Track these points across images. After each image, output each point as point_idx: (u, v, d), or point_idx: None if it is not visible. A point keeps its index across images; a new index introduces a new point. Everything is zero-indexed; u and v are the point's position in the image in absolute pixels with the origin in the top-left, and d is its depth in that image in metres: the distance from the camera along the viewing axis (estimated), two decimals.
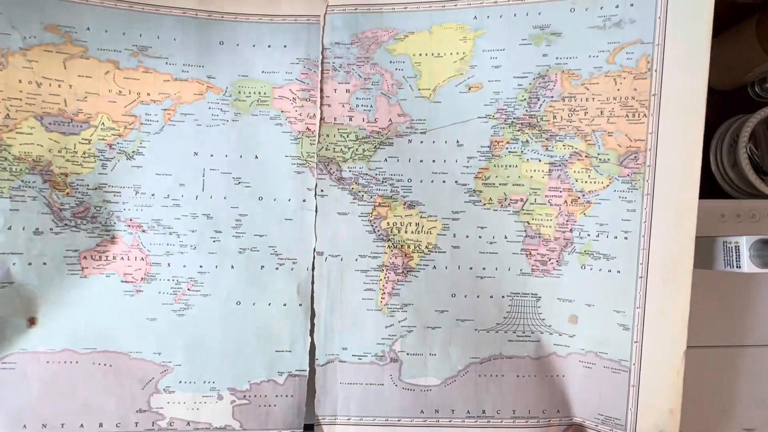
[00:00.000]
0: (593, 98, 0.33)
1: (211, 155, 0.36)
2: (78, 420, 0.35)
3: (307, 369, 0.36)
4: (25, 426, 0.34)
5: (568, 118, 0.34)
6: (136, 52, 0.35)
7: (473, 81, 0.36)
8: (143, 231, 0.35)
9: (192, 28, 0.36)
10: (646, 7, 0.31)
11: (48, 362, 0.35)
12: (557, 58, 0.34)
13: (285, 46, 0.36)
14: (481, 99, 0.36)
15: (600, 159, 0.33)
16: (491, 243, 0.37)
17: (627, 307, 0.33)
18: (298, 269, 0.36)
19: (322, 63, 0.36)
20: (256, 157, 0.36)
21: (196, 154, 0.36)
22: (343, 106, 0.36)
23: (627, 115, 0.32)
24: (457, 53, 0.36)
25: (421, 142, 0.36)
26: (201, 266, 0.36)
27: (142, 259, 0.35)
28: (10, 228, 0.34)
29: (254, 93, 0.36)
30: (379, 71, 0.36)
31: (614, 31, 0.32)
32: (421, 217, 0.36)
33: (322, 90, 0.36)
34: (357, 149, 0.36)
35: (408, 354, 0.36)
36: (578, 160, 0.34)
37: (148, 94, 0.35)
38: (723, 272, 0.34)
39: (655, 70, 0.31)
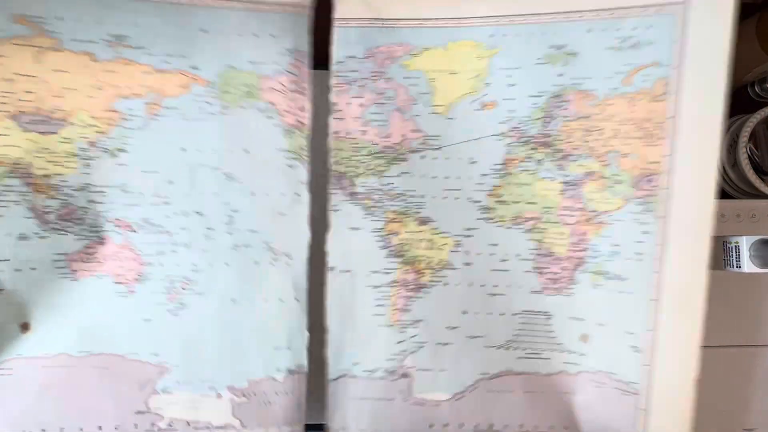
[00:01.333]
0: (608, 119, 0.33)
1: (199, 151, 0.35)
2: (77, 424, 0.34)
3: (306, 365, 0.35)
4: (24, 430, 0.34)
5: (583, 139, 0.34)
6: (113, 42, 0.33)
7: (488, 99, 0.36)
8: (133, 231, 0.34)
9: (172, 14, 0.34)
10: (663, 30, 0.31)
11: (44, 367, 0.34)
12: (572, 78, 0.34)
13: (272, 36, 0.35)
14: (496, 117, 0.36)
15: (614, 180, 0.34)
16: (503, 261, 0.37)
17: (638, 329, 0.33)
18: (293, 264, 0.35)
19: (331, 74, 0.36)
20: (247, 151, 0.35)
21: (183, 149, 0.35)
22: (356, 120, 0.36)
23: (642, 137, 0.32)
24: (473, 71, 0.36)
25: (435, 158, 0.36)
26: (194, 264, 0.35)
27: (134, 259, 0.35)
28: None
29: (242, 84, 0.35)
30: (394, 86, 0.36)
31: (631, 53, 0.32)
32: (433, 233, 0.37)
33: (334, 103, 0.36)
34: (370, 164, 0.36)
35: (418, 369, 0.36)
36: (592, 180, 0.34)
37: (129, 88, 0.34)
38: (723, 272, 0.34)
39: (672, 93, 0.31)
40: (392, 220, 0.36)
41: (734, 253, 0.34)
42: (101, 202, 0.34)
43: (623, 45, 0.32)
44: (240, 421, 0.35)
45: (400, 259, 0.36)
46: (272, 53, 0.34)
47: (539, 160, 0.35)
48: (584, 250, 0.35)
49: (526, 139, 0.35)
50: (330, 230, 0.36)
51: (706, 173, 0.31)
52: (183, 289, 0.35)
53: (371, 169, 0.36)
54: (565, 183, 0.35)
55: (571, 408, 0.37)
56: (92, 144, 0.34)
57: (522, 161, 0.36)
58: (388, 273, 0.36)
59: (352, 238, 0.36)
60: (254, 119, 0.35)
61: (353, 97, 0.36)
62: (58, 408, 0.34)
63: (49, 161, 0.33)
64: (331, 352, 0.36)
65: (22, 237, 0.33)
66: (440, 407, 0.36)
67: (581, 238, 0.35)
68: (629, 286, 0.33)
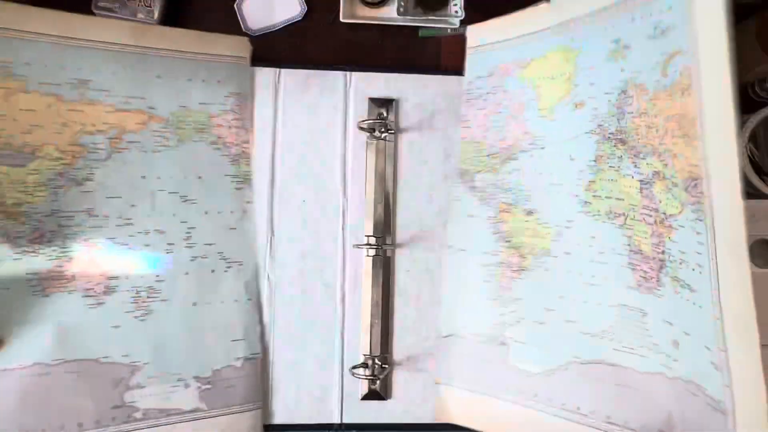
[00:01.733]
0: (659, 114, 0.31)
1: (158, 177, 0.41)
2: (58, 423, 0.38)
3: (260, 352, 0.42)
4: None
5: (646, 135, 0.33)
6: (77, 85, 0.39)
7: (578, 99, 0.38)
8: (99, 249, 0.39)
9: (130, 62, 0.40)
10: (681, 8, 0.27)
11: (21, 377, 0.37)
12: (630, 72, 0.33)
13: (219, 81, 0.42)
14: (585, 116, 0.38)
15: (672, 182, 0.31)
16: (601, 253, 0.38)
17: (714, 346, 0.30)
18: (244, 270, 0.43)
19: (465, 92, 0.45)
20: (200, 177, 0.42)
21: (143, 177, 0.41)
22: (480, 127, 0.45)
23: (683, 136, 0.29)
24: (564, 74, 0.39)
25: (541, 157, 0.42)
26: (157, 276, 0.41)
27: (101, 274, 0.40)
28: None
29: (194, 121, 0.42)
30: (509, 96, 0.43)
31: (662, 41, 0.29)
32: (537, 223, 0.42)
33: (464, 114, 0.45)
34: (488, 162, 0.44)
35: (515, 341, 0.42)
36: (658, 180, 0.32)
37: (93, 125, 0.39)
38: None
39: (696, 86, 0.27)
40: (503, 210, 0.44)
41: None
42: (69, 226, 0.39)
43: (656, 32, 0.29)
44: (207, 403, 0.41)
45: (507, 244, 0.44)
46: (219, 96, 0.43)
47: (620, 157, 0.36)
48: (663, 252, 0.34)
49: (608, 135, 0.36)
50: (451, 215, 0.46)
51: (731, 179, 0.26)
52: (148, 297, 0.41)
53: (489, 167, 0.45)
54: (640, 181, 0.34)
55: (668, 413, 0.35)
56: (60, 174, 0.39)
57: (608, 157, 0.37)
58: (496, 254, 0.44)
59: (469, 223, 0.45)
60: (205, 151, 0.42)
61: (478, 109, 0.45)
62: (37, 411, 0.37)
63: (20, 191, 0.38)
64: (444, 314, 0.45)
65: None
66: (532, 378, 0.42)
67: (660, 239, 0.34)
68: (699, 299, 0.30)
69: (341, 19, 0.48)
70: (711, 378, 0.31)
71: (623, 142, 0.35)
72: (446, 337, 0.44)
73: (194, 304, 0.42)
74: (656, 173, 0.33)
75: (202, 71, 0.43)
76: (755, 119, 0.43)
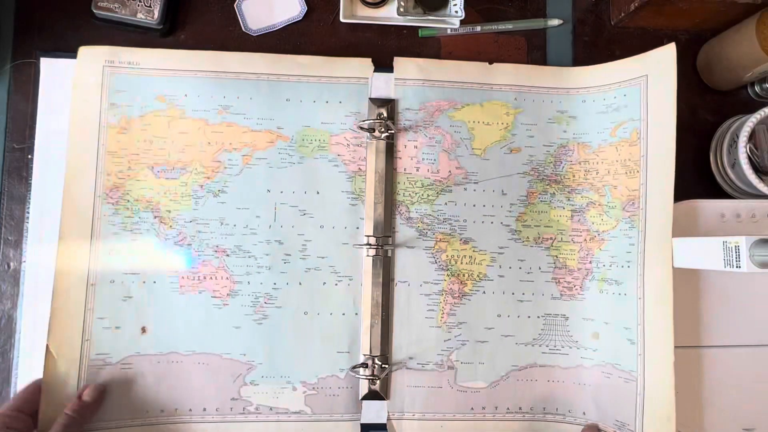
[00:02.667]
0: (602, 162, 0.58)
1: (281, 192, 0.56)
2: (187, 405, 0.55)
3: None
4: (147, 411, 0.54)
5: (584, 177, 0.58)
6: (221, 110, 0.56)
7: (514, 145, 0.60)
8: (227, 255, 0.56)
9: (264, 88, 0.57)
10: (634, 96, 0.56)
11: (158, 362, 0.55)
12: (574, 133, 0.59)
13: (340, 102, 0.57)
14: (520, 159, 0.60)
15: (609, 206, 0.57)
16: (529, 273, 0.59)
17: (632, 323, 0.55)
18: (354, 285, 0.57)
19: (395, 124, 0.58)
20: (318, 192, 0.57)
21: (269, 191, 0.56)
22: (412, 159, 0.60)
23: (626, 173, 0.56)
24: (502, 123, 0.60)
25: (474, 190, 0.60)
26: (274, 283, 0.56)
27: (227, 278, 0.56)
28: (131, 254, 0.55)
29: (315, 140, 0.57)
30: (441, 132, 0.60)
31: (614, 114, 0.57)
32: (473, 251, 0.60)
33: (395, 145, 0.59)
34: (422, 194, 0.59)
35: (462, 362, 0.58)
36: (593, 207, 0.57)
37: (230, 144, 0.57)
38: (723, 272, 0.41)
39: (643, 139, 0.55)
40: (440, 240, 0.59)
41: (734, 253, 0.39)
42: (205, 232, 0.56)
43: (608, 109, 0.57)
44: (311, 408, 0.56)
45: (447, 272, 0.59)
46: (339, 116, 0.58)
47: (552, 194, 0.59)
48: (590, 262, 0.57)
49: (542, 177, 0.59)
50: (391, 248, 0.59)
51: (666, 195, 0.52)
52: (265, 303, 0.55)
53: (423, 198, 0.60)
54: (573, 210, 0.58)
55: (587, 396, 0.58)
56: (201, 187, 0.56)
57: (540, 194, 0.58)
58: (437, 283, 0.59)
59: (408, 254, 0.59)
60: (324, 167, 0.58)
61: (409, 141, 0.60)
62: (171, 393, 0.55)
63: (171, 200, 0.56)
64: (392, 348, 0.58)
65: (150, 257, 0.55)
66: (479, 393, 0.58)
67: (587, 253, 0.56)
68: (624, 289, 0.56)
69: (341, 19, 0.59)
70: (626, 353, 0.55)
71: (557, 182, 0.58)
72: (394, 371, 0.57)
73: (305, 313, 0.56)
74: (591, 203, 0.56)
75: (325, 93, 0.58)
76: (755, 119, 0.49)
